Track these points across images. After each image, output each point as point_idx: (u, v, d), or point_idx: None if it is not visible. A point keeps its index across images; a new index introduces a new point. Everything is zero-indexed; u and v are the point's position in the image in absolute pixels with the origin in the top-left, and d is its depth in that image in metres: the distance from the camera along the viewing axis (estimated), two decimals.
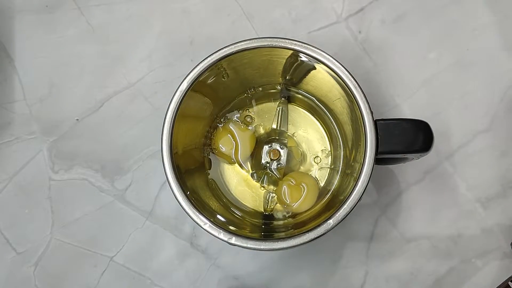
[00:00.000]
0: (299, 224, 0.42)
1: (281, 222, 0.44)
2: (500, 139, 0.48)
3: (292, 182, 0.43)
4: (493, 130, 0.48)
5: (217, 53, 0.39)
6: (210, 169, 0.45)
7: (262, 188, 0.45)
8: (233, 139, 0.44)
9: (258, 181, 0.45)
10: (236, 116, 0.46)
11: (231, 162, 0.45)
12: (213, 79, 0.41)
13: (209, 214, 0.37)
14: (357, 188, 0.36)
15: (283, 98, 0.46)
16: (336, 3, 0.50)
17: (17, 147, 0.50)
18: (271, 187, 0.45)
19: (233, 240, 0.36)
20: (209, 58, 0.38)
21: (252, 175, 0.45)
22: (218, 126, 0.45)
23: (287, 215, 0.44)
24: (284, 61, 0.41)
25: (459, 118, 0.49)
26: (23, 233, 0.49)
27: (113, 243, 0.48)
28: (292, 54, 0.39)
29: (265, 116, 0.46)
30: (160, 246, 0.48)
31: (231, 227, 0.37)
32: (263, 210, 0.45)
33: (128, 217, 0.48)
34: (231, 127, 0.44)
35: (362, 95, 0.37)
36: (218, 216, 0.40)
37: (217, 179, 0.45)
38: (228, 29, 0.51)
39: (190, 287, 0.47)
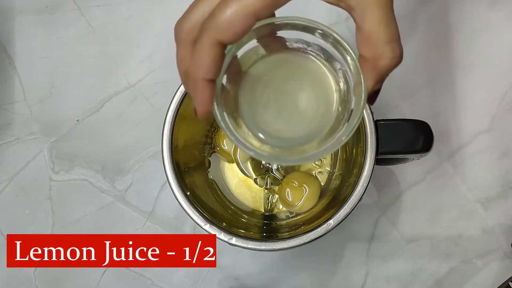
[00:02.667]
0: (299, 225, 0.42)
1: (281, 223, 0.44)
2: (501, 140, 0.48)
3: (294, 183, 0.43)
4: (493, 130, 0.48)
5: None
6: (210, 170, 0.45)
7: (266, 191, 0.45)
8: None
9: (261, 186, 0.45)
10: None
11: (231, 161, 0.45)
12: None
13: (209, 214, 0.37)
14: (357, 189, 0.36)
15: None
16: None
17: (17, 148, 0.50)
18: (274, 188, 0.45)
19: (234, 240, 0.36)
20: None
21: (255, 181, 0.45)
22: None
23: (290, 216, 0.44)
24: None
25: (459, 118, 0.49)
26: (24, 233, 0.49)
27: None
28: None
29: None
30: None
31: (231, 228, 0.37)
32: (263, 211, 0.45)
33: (128, 217, 0.48)
34: None
35: None
36: (219, 217, 0.40)
37: (218, 179, 0.45)
38: None
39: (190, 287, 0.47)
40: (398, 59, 0.23)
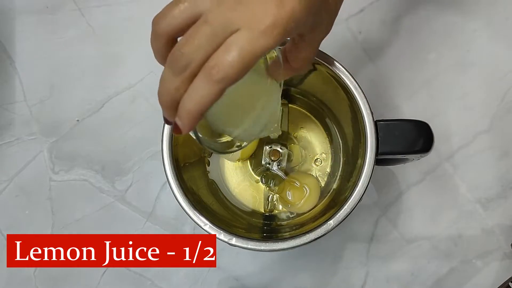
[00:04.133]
0: (300, 225, 0.42)
1: (282, 223, 0.44)
2: (500, 140, 0.48)
3: (295, 183, 0.43)
4: (493, 131, 0.48)
5: None
6: (210, 170, 0.45)
7: (268, 190, 0.45)
8: None
9: (264, 184, 0.45)
10: None
11: (233, 160, 0.45)
12: None
13: (209, 214, 0.37)
14: (357, 189, 0.36)
15: (283, 99, 0.46)
16: None
17: (17, 148, 0.50)
18: (274, 188, 0.45)
19: (234, 241, 0.36)
20: None
21: (261, 179, 0.45)
22: None
23: (290, 216, 0.44)
24: None
25: (459, 119, 0.49)
26: (24, 233, 0.49)
27: None
28: None
29: None
30: None
31: (231, 228, 0.37)
32: (263, 211, 0.45)
33: (128, 218, 0.48)
34: None
35: (363, 95, 0.37)
36: (218, 217, 0.40)
37: (218, 180, 0.45)
38: None
39: None
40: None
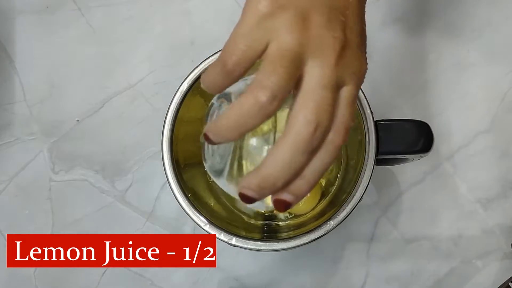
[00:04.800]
0: (300, 225, 0.42)
1: (282, 223, 0.44)
2: (501, 140, 0.48)
3: None
4: (493, 130, 0.48)
5: (218, 54, 0.38)
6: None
7: None
8: None
9: None
10: None
11: None
12: None
13: (209, 214, 0.37)
14: (357, 189, 0.36)
15: None
16: None
17: (17, 148, 0.50)
18: None
19: (234, 241, 0.36)
20: (210, 59, 0.38)
21: None
22: None
23: (289, 216, 0.44)
24: None
25: (460, 118, 0.49)
26: (24, 233, 0.49)
27: None
28: None
29: None
30: None
31: (231, 228, 0.37)
32: (263, 211, 0.45)
33: (128, 218, 0.48)
34: None
35: (363, 95, 0.37)
36: (218, 217, 0.40)
37: None
38: (228, 30, 0.50)
39: None
40: None
